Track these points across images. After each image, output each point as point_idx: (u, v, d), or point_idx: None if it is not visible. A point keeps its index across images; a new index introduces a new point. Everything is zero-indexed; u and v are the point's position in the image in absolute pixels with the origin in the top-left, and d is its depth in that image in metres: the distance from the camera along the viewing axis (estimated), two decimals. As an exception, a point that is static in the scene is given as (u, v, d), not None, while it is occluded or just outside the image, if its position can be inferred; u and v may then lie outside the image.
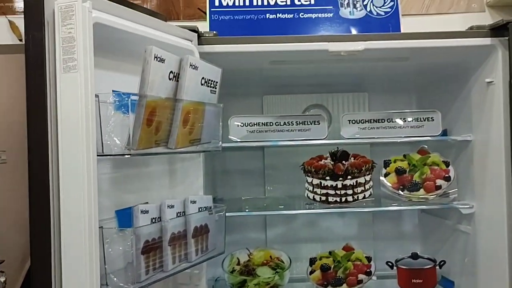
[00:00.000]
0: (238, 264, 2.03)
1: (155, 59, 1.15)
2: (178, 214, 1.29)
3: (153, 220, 1.21)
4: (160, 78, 1.19)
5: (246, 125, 1.96)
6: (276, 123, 1.97)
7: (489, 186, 1.80)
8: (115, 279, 1.12)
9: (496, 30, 1.68)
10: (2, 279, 2.41)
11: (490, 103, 1.77)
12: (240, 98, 2.38)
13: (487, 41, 1.69)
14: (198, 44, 1.64)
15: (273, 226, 2.38)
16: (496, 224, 1.73)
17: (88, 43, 1.07)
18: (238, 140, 1.93)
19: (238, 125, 1.94)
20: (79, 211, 1.06)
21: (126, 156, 1.12)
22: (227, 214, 1.78)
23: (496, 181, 1.73)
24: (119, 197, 1.29)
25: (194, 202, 1.34)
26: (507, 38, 1.63)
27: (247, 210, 2.03)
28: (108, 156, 1.13)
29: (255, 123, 1.96)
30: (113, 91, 1.19)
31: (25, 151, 1.12)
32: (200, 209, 1.37)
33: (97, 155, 1.08)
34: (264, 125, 1.97)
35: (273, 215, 2.34)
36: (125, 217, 1.24)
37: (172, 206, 1.26)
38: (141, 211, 1.18)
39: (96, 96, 1.08)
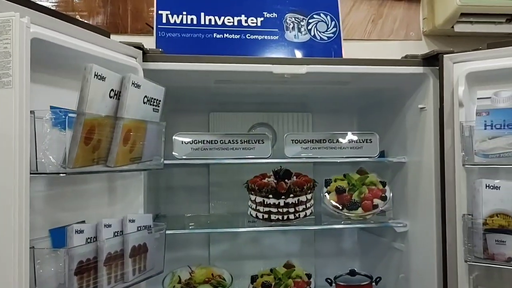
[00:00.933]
0: (179, 282, 2.01)
1: (95, 77, 1.14)
2: (116, 234, 1.27)
3: (89, 240, 1.19)
4: (100, 97, 1.18)
5: (191, 142, 1.96)
6: (221, 141, 1.99)
7: (420, 206, 1.90)
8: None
9: (428, 60, 1.79)
10: None
11: (422, 127, 1.88)
12: (186, 114, 2.39)
13: (419, 69, 1.80)
14: (143, 61, 1.64)
15: (216, 243, 2.38)
16: (426, 242, 1.83)
17: (24, 59, 1.04)
18: (182, 157, 1.93)
19: (182, 142, 1.94)
20: (9, 231, 1.02)
21: (62, 175, 1.09)
22: (168, 232, 1.76)
23: (427, 201, 1.83)
24: (54, 216, 1.25)
25: (133, 221, 1.33)
26: (437, 67, 1.74)
27: (190, 227, 2.02)
28: (42, 175, 1.10)
29: (200, 140, 1.97)
30: (51, 107, 1.16)
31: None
32: (139, 228, 1.36)
33: (31, 173, 1.06)
34: (209, 142, 1.99)
35: (216, 232, 2.35)
36: (59, 236, 1.21)
37: (109, 226, 1.24)
38: (75, 231, 1.15)
39: (32, 112, 1.05)
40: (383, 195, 2.06)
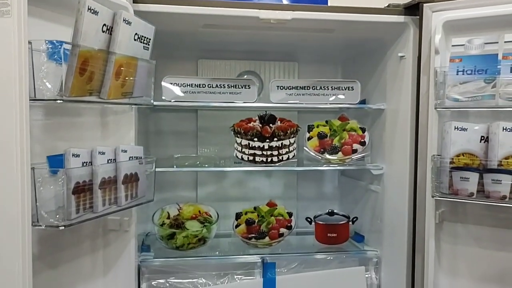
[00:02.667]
0: (168, 218, 2.13)
1: (89, 10, 1.20)
2: (109, 161, 1.37)
3: (84, 164, 1.29)
4: (94, 31, 1.24)
5: (179, 85, 2.03)
6: (209, 85, 2.07)
7: (396, 149, 2.02)
8: (46, 215, 1.19)
9: (409, 9, 1.87)
10: None
11: (401, 75, 1.97)
12: (175, 61, 2.45)
13: (401, 18, 1.88)
14: (134, 2, 1.69)
15: (203, 184, 2.50)
16: (400, 183, 1.96)
17: (22, -10, 1.10)
18: (171, 100, 2.01)
19: (171, 85, 2.02)
20: (11, 154, 1.11)
21: (59, 101, 1.18)
22: (158, 169, 1.88)
23: (402, 145, 1.95)
24: (51, 144, 1.34)
25: (125, 151, 1.42)
26: (417, 17, 1.81)
27: (175, 166, 2.12)
28: (41, 101, 1.18)
29: (188, 84, 2.05)
30: (46, 40, 1.23)
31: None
32: (131, 158, 1.46)
33: (30, 100, 1.14)
34: (197, 86, 2.06)
35: (204, 174, 2.47)
36: (56, 163, 1.30)
37: (103, 153, 1.34)
38: (72, 155, 1.25)
39: (29, 42, 1.12)
40: (362, 140, 2.17)
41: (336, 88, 2.17)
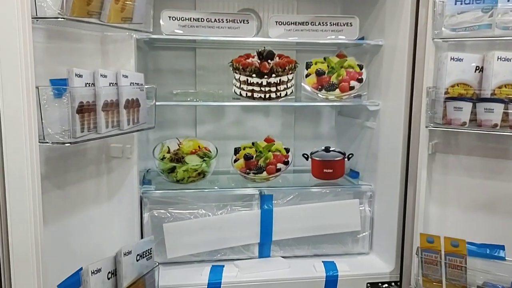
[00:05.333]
0: (169, 152, 2.19)
1: None
2: (111, 85, 1.40)
3: (87, 85, 1.31)
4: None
5: (178, 19, 2.03)
6: (208, 20, 2.06)
7: (392, 85, 2.05)
8: (50, 132, 1.22)
9: None
10: None
11: (400, 10, 1.97)
12: None
13: (402, -52, 1.85)
14: None
15: (202, 122, 2.54)
16: (395, 118, 2.00)
17: None
18: (170, 33, 2.01)
19: (170, 18, 2.01)
20: (16, 71, 1.13)
21: (60, 19, 1.19)
22: (158, 103, 1.90)
23: (398, 80, 1.97)
24: (53, 68, 1.36)
25: (126, 76, 1.45)
26: None
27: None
28: (43, 20, 1.19)
29: (187, 18, 2.04)
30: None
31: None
32: (132, 84, 1.48)
33: (32, 18, 1.15)
34: (196, 20, 2.05)
35: (203, 111, 2.51)
36: (59, 84, 1.32)
37: (105, 76, 1.36)
38: (75, 74, 1.27)
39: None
40: (359, 77, 2.19)
41: (335, 24, 2.17)
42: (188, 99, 2.22)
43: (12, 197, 1.19)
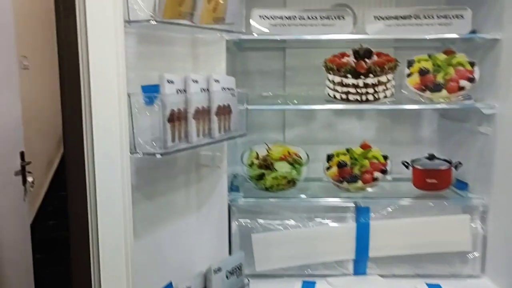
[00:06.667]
0: (257, 158, 2.08)
1: None
2: (202, 90, 1.31)
3: (178, 92, 1.23)
4: None
5: (268, 18, 1.91)
6: (300, 17, 1.92)
7: (514, 86, 1.77)
8: (142, 142, 1.16)
9: None
10: (30, 179, 2.53)
11: (525, -4, 1.69)
12: None
13: None
14: None
15: (291, 126, 2.41)
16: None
17: None
18: (261, 33, 1.89)
19: (260, 17, 1.90)
20: (108, 77, 1.08)
21: (153, 22, 1.11)
22: (248, 107, 1.81)
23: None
24: (143, 73, 1.30)
25: (218, 81, 1.35)
26: None
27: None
28: (134, 24, 1.12)
29: (278, 16, 1.92)
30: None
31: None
32: (223, 89, 1.38)
33: (124, 21, 1.08)
34: (288, 19, 1.93)
35: (292, 114, 2.37)
36: (150, 91, 1.26)
37: (197, 81, 1.27)
38: (167, 80, 1.19)
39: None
40: (471, 76, 1.93)
41: (443, 17, 1.93)
42: (278, 101, 2.10)
43: (102, 210, 1.14)
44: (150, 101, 1.23)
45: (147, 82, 1.30)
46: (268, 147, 2.11)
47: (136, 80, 1.28)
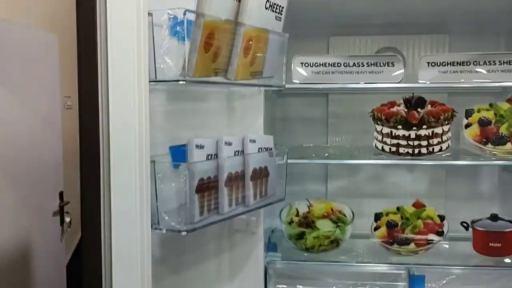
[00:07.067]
0: (297, 215, 1.91)
1: (214, -28, 0.99)
2: (236, 153, 1.17)
3: (209, 157, 1.09)
4: (220, -4, 1.04)
5: (311, 65, 1.78)
6: (345, 64, 1.78)
7: None
8: (166, 218, 1.02)
9: None
10: (68, 219, 2.48)
11: None
12: (303, 39, 2.15)
13: None
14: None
15: (335, 177, 2.22)
16: None
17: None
18: (303, 82, 1.76)
19: (302, 65, 1.77)
20: (129, 142, 0.95)
21: (181, 82, 0.99)
22: (290, 161, 1.66)
23: None
24: (173, 133, 1.18)
25: (254, 141, 1.21)
26: None
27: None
28: (162, 83, 1.01)
29: (321, 63, 1.78)
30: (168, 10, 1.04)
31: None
32: (260, 150, 1.24)
33: (150, 82, 0.97)
34: (331, 66, 1.79)
35: (335, 165, 2.19)
36: (179, 154, 1.13)
37: (230, 144, 1.13)
38: (196, 146, 1.06)
39: (150, 14, 0.95)
40: (540, 128, 1.71)
41: (506, 63, 1.73)
42: (314, 154, 1.93)
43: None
44: (177, 164, 1.10)
45: (177, 141, 1.18)
46: (310, 203, 1.94)
47: (165, 139, 1.15)
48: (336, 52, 2.19)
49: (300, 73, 1.78)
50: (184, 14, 0.96)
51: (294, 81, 1.76)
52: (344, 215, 1.90)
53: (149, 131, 1.00)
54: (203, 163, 1.07)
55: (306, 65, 1.78)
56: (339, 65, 1.78)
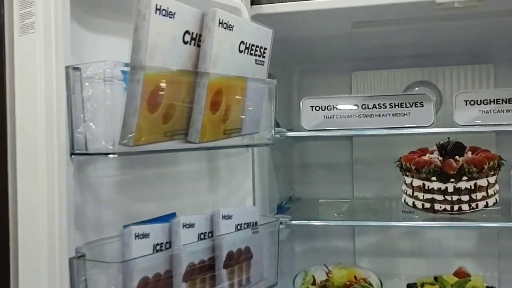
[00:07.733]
0: (314, 284, 1.62)
1: (157, 11, 0.77)
2: (202, 236, 0.92)
3: (158, 247, 0.85)
4: (169, 40, 0.81)
5: (322, 108, 1.52)
6: (363, 106, 1.50)
7: None
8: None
9: None
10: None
11: None
12: (323, 75, 1.97)
13: None
14: (253, 4, 1.25)
15: (363, 234, 1.92)
16: None
17: (54, -10, 0.73)
18: (311, 129, 1.50)
19: (312, 109, 1.51)
20: (37, 237, 0.73)
21: (110, 156, 0.76)
22: (294, 222, 1.41)
23: None
24: (130, 209, 0.95)
25: (228, 217, 0.95)
26: None
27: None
28: (90, 155, 0.79)
29: (334, 106, 1.51)
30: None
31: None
32: (239, 227, 0.98)
33: (72, 154, 0.75)
34: (346, 108, 1.52)
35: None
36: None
37: (191, 225, 0.89)
38: (135, 235, 0.81)
39: (67, 68, 0.74)
40: None
41: None
42: (336, 213, 1.66)
43: None
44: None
45: (135, 218, 0.95)
46: (328, 270, 1.65)
47: (116, 219, 0.93)
48: (360, 87, 1.94)
49: (311, 117, 1.52)
50: (114, 68, 0.74)
51: (301, 125, 1.51)
52: (371, 285, 1.59)
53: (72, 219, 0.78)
54: (147, 258, 0.81)
55: (317, 108, 1.52)
56: (356, 107, 1.51)
